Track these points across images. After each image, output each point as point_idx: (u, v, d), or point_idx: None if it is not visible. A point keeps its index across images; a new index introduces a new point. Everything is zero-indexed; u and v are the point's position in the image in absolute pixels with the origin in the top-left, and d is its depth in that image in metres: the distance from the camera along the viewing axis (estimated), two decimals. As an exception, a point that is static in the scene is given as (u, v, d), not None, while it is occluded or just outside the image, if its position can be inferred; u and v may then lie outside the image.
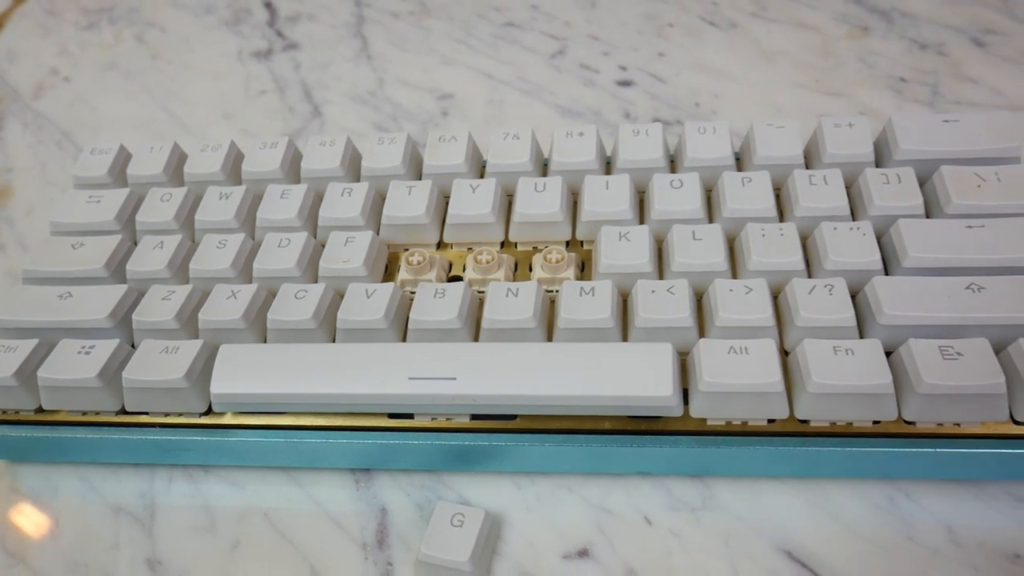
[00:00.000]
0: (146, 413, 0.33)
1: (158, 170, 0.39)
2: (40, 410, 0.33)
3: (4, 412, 0.33)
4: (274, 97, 0.50)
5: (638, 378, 0.29)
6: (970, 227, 0.31)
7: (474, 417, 0.31)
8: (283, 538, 0.32)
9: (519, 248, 0.36)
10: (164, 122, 0.50)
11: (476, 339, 0.32)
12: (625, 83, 0.47)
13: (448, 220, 0.35)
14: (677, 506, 0.31)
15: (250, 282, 0.35)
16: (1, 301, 0.35)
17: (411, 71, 0.50)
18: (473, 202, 0.35)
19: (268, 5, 0.56)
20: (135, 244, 0.37)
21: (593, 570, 0.30)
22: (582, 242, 0.35)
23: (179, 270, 0.35)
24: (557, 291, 0.33)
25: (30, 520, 0.33)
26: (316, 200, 0.37)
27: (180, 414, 0.32)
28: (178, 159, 0.40)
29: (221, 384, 0.31)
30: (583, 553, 0.30)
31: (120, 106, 0.51)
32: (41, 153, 0.49)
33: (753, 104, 0.45)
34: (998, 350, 0.29)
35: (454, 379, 0.30)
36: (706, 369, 0.29)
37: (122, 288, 0.34)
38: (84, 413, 0.33)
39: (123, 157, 0.40)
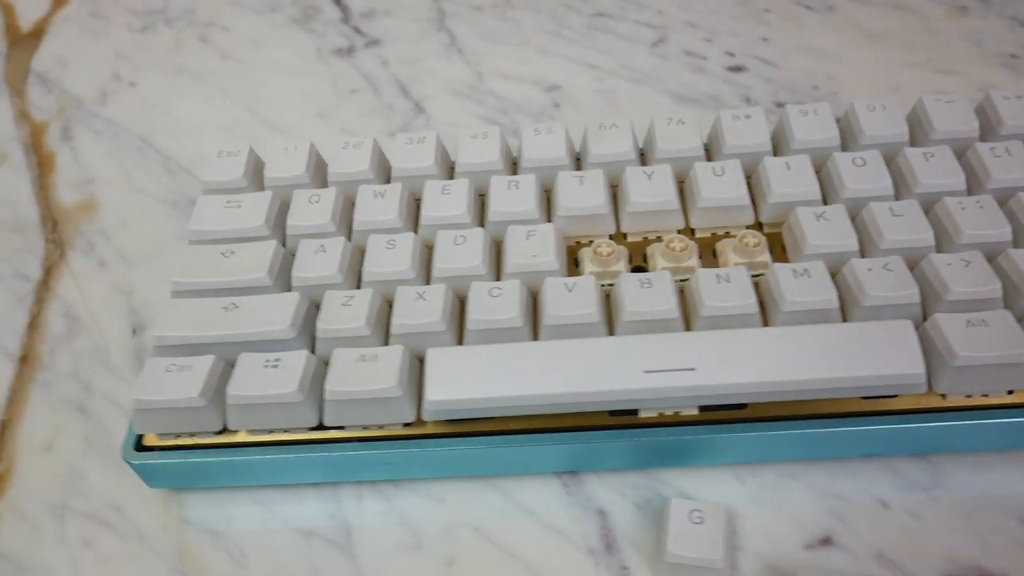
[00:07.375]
0: (341, 428, 0.31)
1: (299, 171, 0.36)
2: (219, 432, 0.31)
3: (177, 436, 0.31)
4: (368, 94, 0.48)
5: (886, 357, 0.28)
6: None
7: (702, 409, 0.30)
8: (502, 551, 0.30)
9: (697, 235, 0.35)
10: (250, 124, 0.47)
11: (689, 329, 0.31)
12: (736, 68, 0.47)
13: (629, 208, 0.34)
14: (908, 487, 0.30)
15: (428, 283, 0.33)
16: (161, 318, 0.32)
17: (509, 63, 0.49)
18: (650, 189, 0.34)
19: (338, 2, 0.54)
20: (284, 248, 0.35)
21: (841, 558, 0.29)
22: (761, 224, 0.35)
23: (349, 274, 0.33)
24: (759, 275, 0.32)
25: (212, 553, 0.31)
26: (479, 196, 0.36)
27: (380, 426, 0.30)
28: (315, 159, 0.38)
29: (438, 391, 0.29)
30: (826, 541, 0.29)
31: (198, 109, 0.49)
32: (123, 161, 0.46)
33: (871, 84, 0.45)
34: None
35: (693, 370, 0.28)
36: (955, 344, 0.28)
37: (295, 296, 0.32)
38: (270, 431, 0.31)
39: (253, 160, 0.38)
